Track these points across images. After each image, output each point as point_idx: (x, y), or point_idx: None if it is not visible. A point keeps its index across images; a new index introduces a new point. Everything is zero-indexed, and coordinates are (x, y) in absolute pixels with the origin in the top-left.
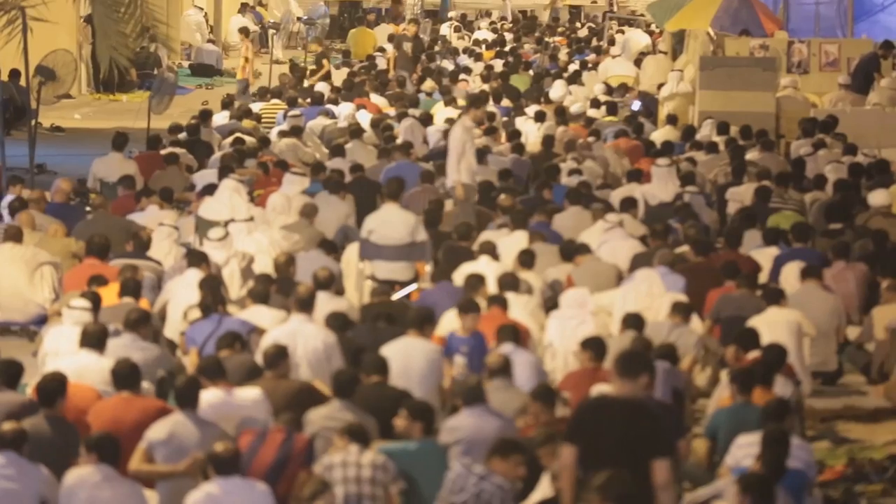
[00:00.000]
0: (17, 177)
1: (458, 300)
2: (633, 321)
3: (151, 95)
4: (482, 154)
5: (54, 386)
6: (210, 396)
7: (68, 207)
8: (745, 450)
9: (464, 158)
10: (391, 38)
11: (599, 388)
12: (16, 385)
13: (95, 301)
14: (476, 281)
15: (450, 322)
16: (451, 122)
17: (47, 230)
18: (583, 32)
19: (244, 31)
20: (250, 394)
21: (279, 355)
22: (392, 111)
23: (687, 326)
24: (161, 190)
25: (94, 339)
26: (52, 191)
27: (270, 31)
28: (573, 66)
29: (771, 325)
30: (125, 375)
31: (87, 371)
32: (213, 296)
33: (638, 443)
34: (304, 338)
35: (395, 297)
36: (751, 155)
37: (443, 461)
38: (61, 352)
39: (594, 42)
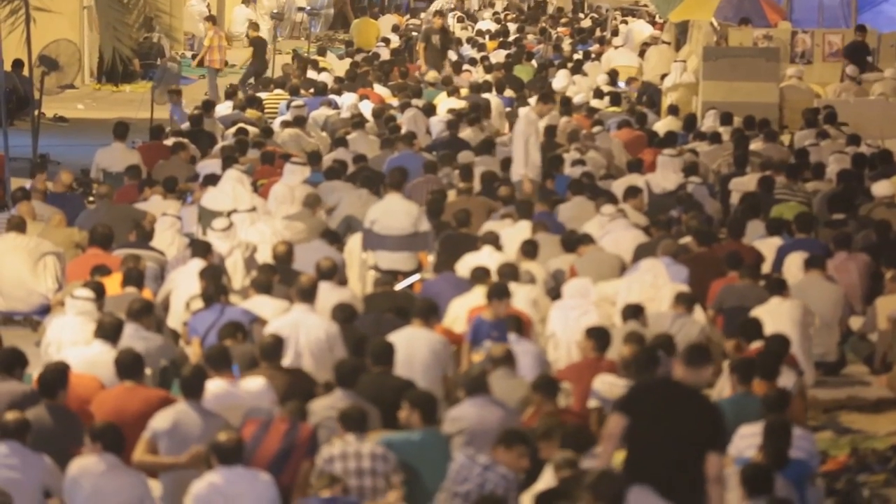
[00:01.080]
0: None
1: (490, 287)
2: (634, 312)
3: (154, 86)
4: (489, 145)
5: (55, 376)
6: (215, 387)
7: (68, 197)
8: (747, 440)
9: (527, 153)
10: (395, 29)
11: (602, 379)
12: (14, 373)
13: (99, 291)
14: (482, 273)
15: (454, 311)
16: (453, 112)
17: (49, 220)
18: (586, 23)
19: (211, 20)
20: (255, 384)
21: (277, 347)
22: (395, 101)
23: (690, 316)
24: (164, 180)
25: (110, 330)
26: (53, 181)
27: (273, 21)
28: (576, 57)
29: (774, 316)
30: (128, 365)
31: (99, 362)
32: (215, 285)
33: (696, 432)
34: (306, 328)
35: (398, 287)
36: (754, 145)
37: (446, 451)
38: (64, 342)
39: (598, 32)
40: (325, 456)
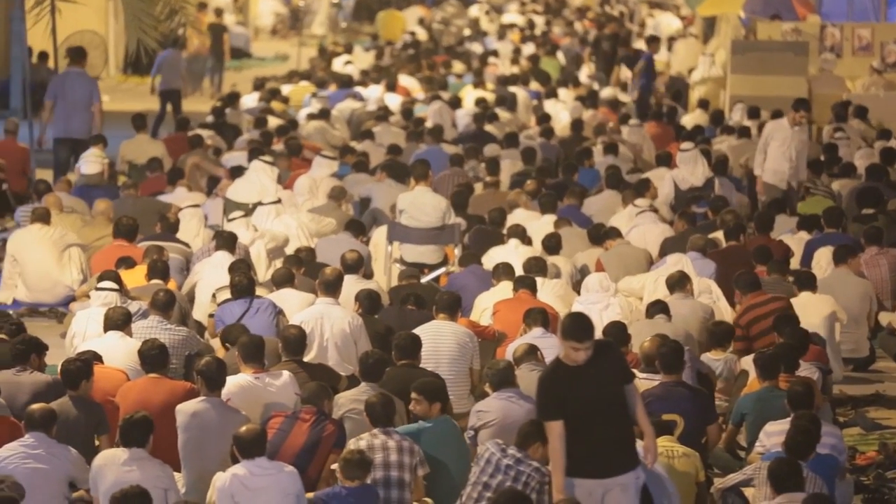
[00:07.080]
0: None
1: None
2: (660, 307)
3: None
4: (513, 138)
5: (80, 367)
6: (241, 380)
7: (99, 188)
8: (774, 438)
9: (767, 156)
10: (421, 21)
11: None
12: (30, 360)
13: (118, 280)
14: (504, 268)
15: (482, 304)
16: (480, 102)
17: (94, 212)
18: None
19: (199, 7)
20: (279, 378)
21: (299, 341)
22: (421, 94)
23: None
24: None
25: (119, 322)
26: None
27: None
28: None
29: (802, 311)
30: (153, 357)
31: (113, 353)
32: (247, 278)
33: (610, 380)
34: (330, 320)
35: (424, 280)
36: None
37: (459, 438)
38: (89, 333)
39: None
40: (353, 447)
